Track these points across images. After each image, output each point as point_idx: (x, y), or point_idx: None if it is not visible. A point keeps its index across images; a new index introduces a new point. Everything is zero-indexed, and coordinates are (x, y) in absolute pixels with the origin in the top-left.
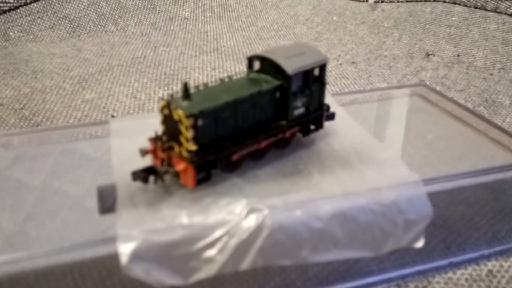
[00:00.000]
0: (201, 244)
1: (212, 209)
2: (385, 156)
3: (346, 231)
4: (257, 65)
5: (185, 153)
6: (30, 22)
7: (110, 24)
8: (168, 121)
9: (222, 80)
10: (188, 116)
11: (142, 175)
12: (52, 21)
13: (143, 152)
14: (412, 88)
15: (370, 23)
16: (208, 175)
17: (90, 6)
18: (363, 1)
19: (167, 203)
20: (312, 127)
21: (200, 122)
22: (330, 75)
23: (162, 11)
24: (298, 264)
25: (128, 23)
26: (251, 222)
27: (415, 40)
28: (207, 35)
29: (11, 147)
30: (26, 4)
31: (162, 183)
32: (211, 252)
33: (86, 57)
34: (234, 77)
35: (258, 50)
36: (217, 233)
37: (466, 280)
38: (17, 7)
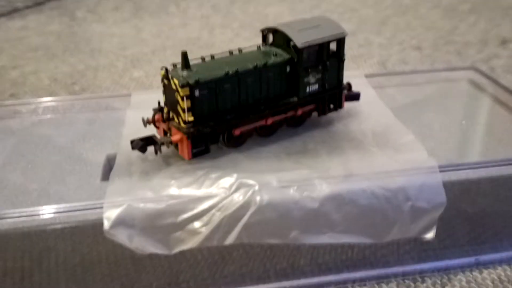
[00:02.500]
0: (186, 215)
1: (202, 182)
2: (405, 139)
3: (343, 214)
4: (270, 38)
5: (182, 124)
6: (97, 3)
7: (172, 6)
8: (168, 91)
9: (231, 52)
10: (183, 86)
11: (140, 144)
12: (117, 3)
13: (145, 122)
14: (461, 71)
15: (444, 6)
16: (207, 148)
17: None
18: None
19: (160, 173)
20: (330, 106)
21: (197, 93)
22: (390, 60)
23: None
24: (287, 244)
25: (189, 5)
26: (239, 197)
27: (492, 26)
28: (266, 18)
29: (48, 111)
30: None
31: (160, 153)
32: (196, 224)
33: (144, 37)
34: (245, 50)
35: None
36: (203, 206)
37: (493, 281)
38: None
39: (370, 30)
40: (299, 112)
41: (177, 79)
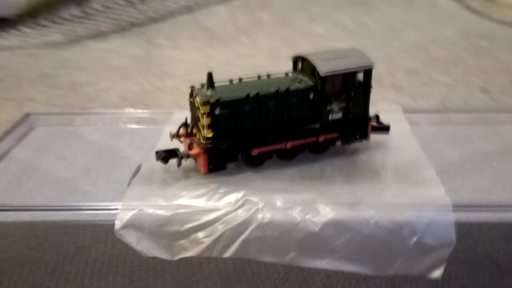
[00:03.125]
0: (191, 225)
1: (211, 195)
2: (425, 175)
3: (344, 241)
4: (300, 66)
5: (201, 140)
6: (175, 33)
7: (243, 37)
8: (192, 108)
9: (259, 76)
10: (204, 104)
11: (163, 155)
12: (194, 32)
13: (172, 136)
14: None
15: None
16: (223, 164)
17: (229, 20)
18: None
19: (176, 184)
20: (355, 136)
21: (217, 111)
22: (451, 101)
23: (295, 26)
24: (283, 264)
25: (260, 37)
26: (242, 213)
27: None
28: None
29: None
30: (173, 15)
31: (181, 166)
32: (199, 235)
33: (211, 64)
34: (273, 76)
35: (385, 70)
36: (208, 218)
37: None
38: (165, 18)
39: (437, 69)
40: (321, 138)
41: (200, 97)
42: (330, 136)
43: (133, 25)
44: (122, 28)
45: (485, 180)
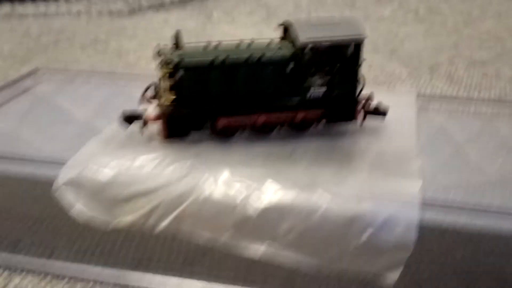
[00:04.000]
0: (130, 190)
1: (161, 162)
2: (408, 168)
3: (289, 226)
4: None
5: (164, 104)
6: (234, 6)
7: (303, 15)
8: (159, 70)
9: (240, 41)
10: (165, 64)
11: (127, 116)
12: (252, 8)
13: (143, 98)
14: None
15: None
16: (184, 131)
17: None
18: None
19: (132, 147)
20: (341, 117)
21: (180, 73)
22: (509, 95)
23: (360, 8)
24: (218, 245)
25: (319, 16)
26: (184, 183)
27: None
28: (396, 36)
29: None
30: None
31: (146, 130)
32: (137, 202)
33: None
34: (257, 41)
35: (447, 59)
36: (149, 185)
37: None
38: None
39: (506, 61)
40: (299, 116)
41: (163, 57)
42: (311, 113)
43: None
44: (183, 0)
45: (483, 181)
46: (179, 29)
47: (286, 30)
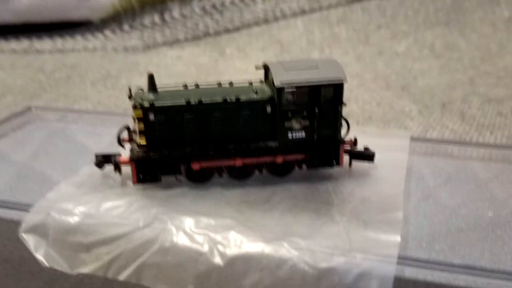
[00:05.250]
0: (94, 238)
1: (126, 209)
2: (389, 218)
3: (252, 282)
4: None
5: (135, 147)
6: (247, 43)
7: (316, 52)
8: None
9: (219, 84)
10: (135, 107)
11: (100, 160)
12: (265, 44)
13: (119, 140)
14: None
15: None
16: (155, 176)
17: (304, 33)
18: None
19: (101, 192)
20: (324, 161)
21: (151, 117)
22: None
23: (374, 44)
24: None
25: (333, 52)
26: (146, 232)
27: None
28: (409, 72)
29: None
30: (248, 26)
31: (120, 174)
32: (100, 250)
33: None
34: (236, 84)
35: (461, 95)
36: (112, 232)
37: None
38: (240, 28)
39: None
40: (279, 159)
41: (135, 100)
42: (291, 157)
43: (208, 34)
44: (197, 37)
45: (468, 237)
46: (151, 72)
47: (267, 71)
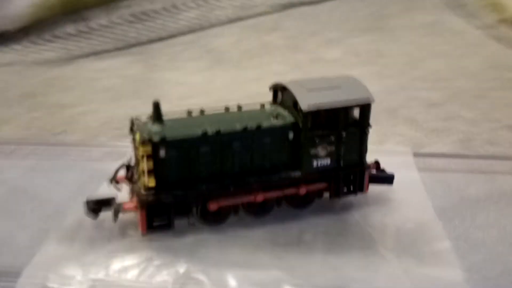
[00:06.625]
0: None
1: (143, 269)
2: (437, 247)
3: None
4: (280, 97)
5: (142, 190)
6: (178, 53)
7: (250, 61)
8: (134, 146)
9: (227, 108)
10: (144, 142)
11: (92, 207)
12: (197, 54)
13: (111, 180)
14: None
15: None
16: (169, 222)
17: (236, 42)
18: None
19: (103, 248)
20: (347, 188)
21: (162, 153)
22: (476, 139)
23: (306, 51)
24: None
25: (268, 61)
26: None
27: None
28: None
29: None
30: (175, 36)
31: (116, 220)
32: None
33: (212, 88)
34: (246, 108)
35: (400, 101)
36: None
37: None
38: (167, 38)
39: (459, 102)
40: (303, 190)
41: (140, 134)
42: (314, 187)
43: (132, 45)
44: (123, 47)
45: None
46: (158, 99)
47: (276, 92)
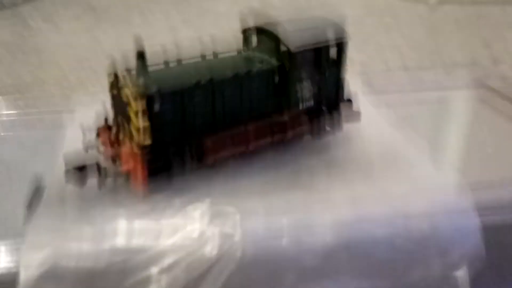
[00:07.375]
0: (136, 277)
1: (161, 214)
2: (422, 168)
3: (353, 266)
4: (254, 40)
5: (135, 149)
6: (53, 13)
7: (136, 17)
8: (118, 104)
9: (204, 56)
10: (139, 97)
11: (77, 175)
12: (77, 12)
13: (87, 148)
14: (471, 91)
15: (429, 26)
16: (169, 177)
17: None
18: (422, 2)
19: (104, 213)
20: (327, 128)
21: (157, 107)
22: (377, 81)
23: (195, 5)
24: None
25: (155, 17)
26: (212, 247)
27: (482, 46)
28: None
29: None
30: None
31: (105, 186)
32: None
33: (104, 48)
34: (222, 55)
35: None
36: (162, 263)
37: None
38: None
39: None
40: (289, 133)
41: (131, 87)
42: (298, 129)
43: (3, 6)
44: None
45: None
46: (142, 47)
47: (247, 37)
